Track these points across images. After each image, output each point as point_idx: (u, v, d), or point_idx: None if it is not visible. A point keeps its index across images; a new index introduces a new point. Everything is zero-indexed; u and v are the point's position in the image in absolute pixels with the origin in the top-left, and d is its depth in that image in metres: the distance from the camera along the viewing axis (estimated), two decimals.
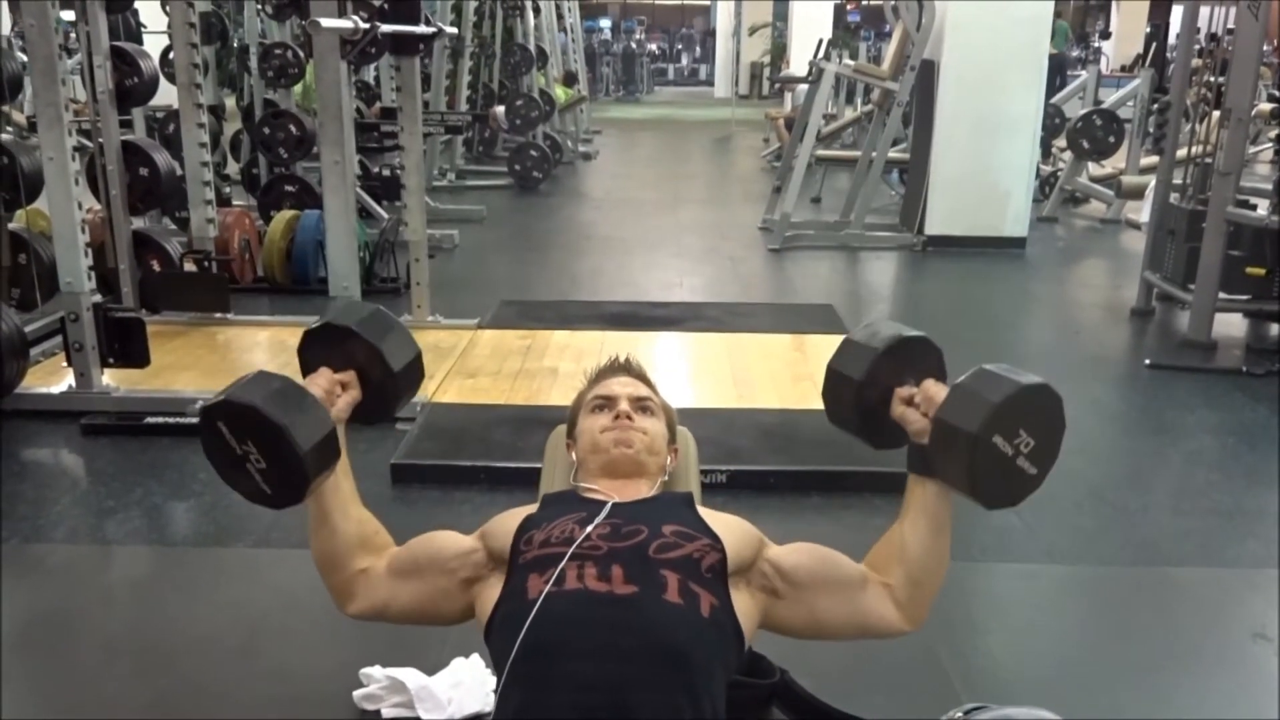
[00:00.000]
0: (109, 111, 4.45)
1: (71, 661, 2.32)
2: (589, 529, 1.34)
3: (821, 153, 8.87)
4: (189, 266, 4.59)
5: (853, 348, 1.51)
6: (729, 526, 1.44)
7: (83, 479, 3.33)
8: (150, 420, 3.56)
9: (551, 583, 1.28)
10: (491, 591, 1.38)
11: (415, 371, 1.57)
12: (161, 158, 4.65)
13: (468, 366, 4.20)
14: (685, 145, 14.03)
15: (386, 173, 7.56)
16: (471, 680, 2.08)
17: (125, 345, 3.75)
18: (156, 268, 4.69)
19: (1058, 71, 9.40)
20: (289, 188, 6.40)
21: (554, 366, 4.17)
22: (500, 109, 9.26)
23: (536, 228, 7.93)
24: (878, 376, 1.48)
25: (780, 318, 4.95)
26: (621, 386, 1.63)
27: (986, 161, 6.57)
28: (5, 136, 4.54)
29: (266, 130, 6.48)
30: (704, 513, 1.47)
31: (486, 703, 2.01)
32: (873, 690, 2.19)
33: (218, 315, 4.66)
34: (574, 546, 1.32)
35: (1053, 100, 8.51)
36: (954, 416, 1.32)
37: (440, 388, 3.92)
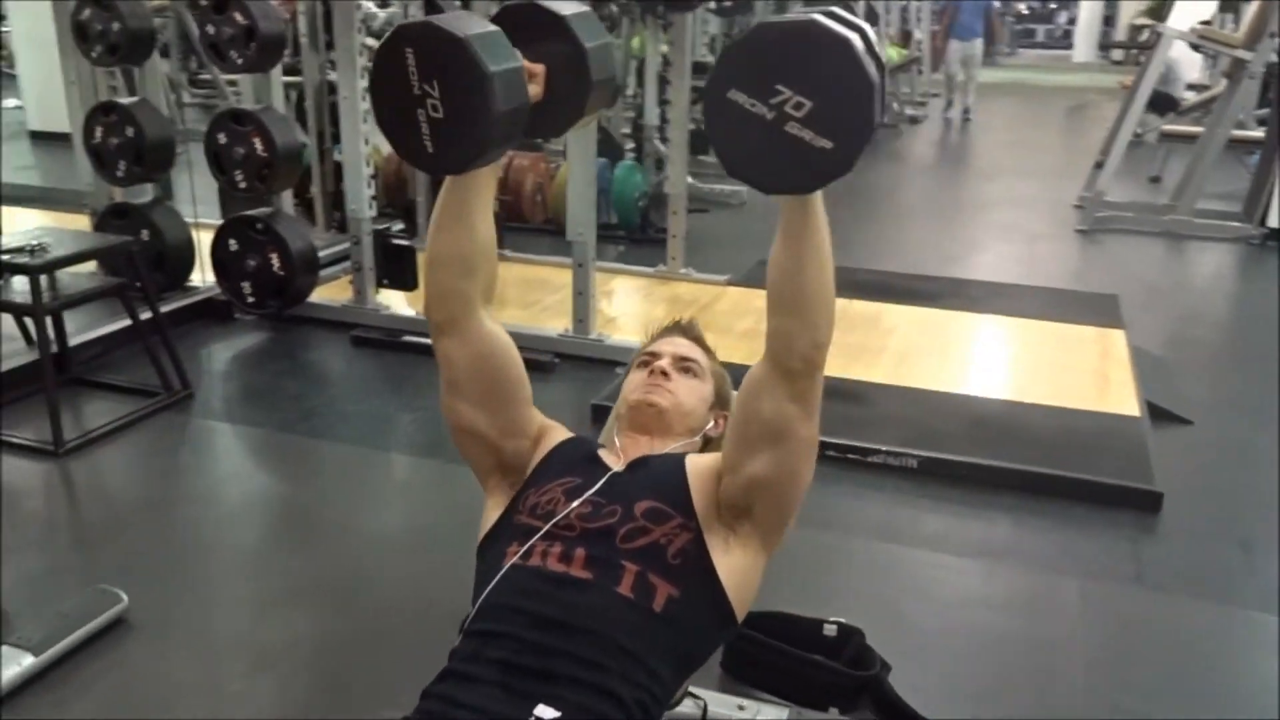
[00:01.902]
0: None
1: (266, 535, 2.72)
2: (573, 505, 1.37)
3: (1168, 127, 7.97)
4: None
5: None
6: (704, 480, 1.39)
7: (338, 383, 3.79)
8: (406, 338, 3.96)
9: (519, 556, 1.34)
10: (493, 512, 1.47)
11: (605, 91, 1.38)
12: None
13: (702, 320, 4.26)
14: (1029, 112, 13.08)
15: (691, 126, 7.75)
16: None
17: (398, 269, 4.18)
18: None
19: None
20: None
21: None
22: None
23: (833, 190, 7.65)
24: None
25: (1052, 304, 4.56)
26: (670, 346, 1.63)
27: None
28: (334, 76, 5.16)
29: None
30: (692, 469, 1.41)
31: None
32: (979, 701, 2.06)
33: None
34: (550, 524, 1.36)
35: None
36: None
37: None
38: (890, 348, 3.98)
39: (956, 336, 4.15)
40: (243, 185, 3.92)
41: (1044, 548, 2.69)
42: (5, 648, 2.03)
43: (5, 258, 2.92)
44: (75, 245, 3.13)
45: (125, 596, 2.23)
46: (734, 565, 1.36)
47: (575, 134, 3.73)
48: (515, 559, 1.33)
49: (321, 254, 4.34)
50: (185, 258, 4.27)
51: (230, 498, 2.93)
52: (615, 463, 1.47)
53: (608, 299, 4.54)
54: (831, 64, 1.02)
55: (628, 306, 4.48)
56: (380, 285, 4.18)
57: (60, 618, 2.14)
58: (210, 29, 3.79)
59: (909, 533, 2.76)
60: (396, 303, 4.23)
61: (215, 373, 3.79)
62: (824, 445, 3.01)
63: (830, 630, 2.17)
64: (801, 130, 1.03)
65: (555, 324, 4.09)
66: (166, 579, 2.46)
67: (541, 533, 1.35)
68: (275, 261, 4.00)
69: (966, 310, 4.43)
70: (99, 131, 4.02)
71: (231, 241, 4.05)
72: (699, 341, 1.67)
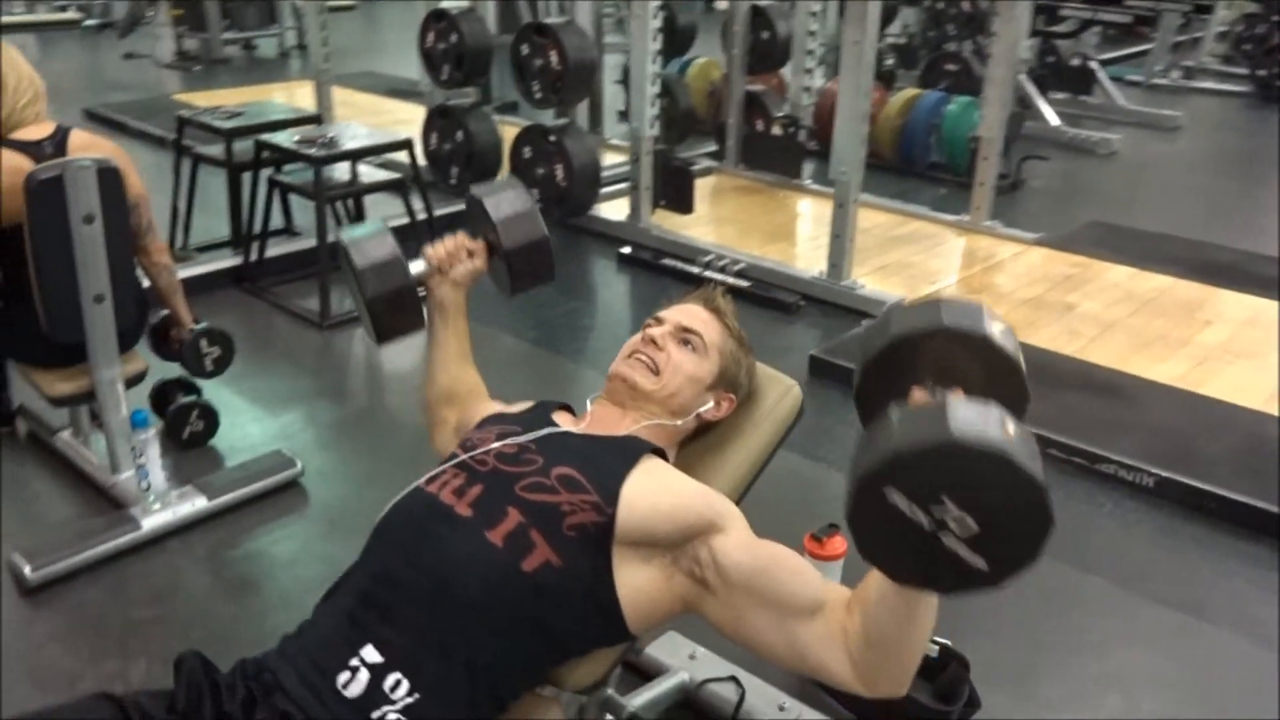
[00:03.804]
0: None
1: None
2: (496, 444, 1.30)
3: None
4: (775, 130, 4.86)
5: (874, 329, 1.17)
6: (655, 497, 1.23)
7: (588, 298, 3.90)
8: (666, 261, 3.98)
9: (424, 479, 1.30)
10: None
11: (532, 255, 1.49)
12: (784, 25, 4.92)
13: (982, 282, 3.88)
14: None
15: (1076, 62, 6.94)
16: None
17: (677, 190, 4.19)
18: (760, 127, 5.06)
19: None
20: (949, 66, 6.25)
21: (1072, 304, 3.64)
22: None
23: (1231, 146, 6.64)
24: (881, 370, 1.14)
25: None
26: (678, 314, 1.46)
27: None
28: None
29: (940, 5, 6.35)
30: (642, 472, 1.26)
31: None
32: None
33: (794, 180, 4.90)
34: (467, 455, 1.31)
35: None
36: (859, 453, 0.97)
37: (930, 294, 3.71)
38: (1196, 341, 3.37)
39: None
40: (538, 96, 4.10)
41: (1275, 619, 2.20)
42: (188, 487, 2.36)
43: (297, 148, 3.29)
44: (358, 142, 3.45)
45: (300, 464, 2.50)
46: (641, 585, 1.22)
47: (846, 57, 3.47)
48: (420, 481, 1.31)
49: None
50: (492, 160, 4.57)
51: None
52: (572, 426, 1.39)
53: (893, 244, 4.25)
54: (1016, 499, 0.93)
55: (906, 255, 4.16)
56: (657, 206, 4.22)
57: (240, 470, 2.45)
58: None
59: (1104, 558, 2.36)
60: (670, 224, 4.24)
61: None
62: (1047, 443, 2.67)
63: (931, 649, 1.94)
64: (957, 545, 0.95)
65: (820, 264, 3.90)
66: (356, 453, 2.73)
67: (455, 461, 1.31)
68: (560, 172, 4.17)
69: None
70: (430, 36, 4.38)
71: (526, 149, 4.27)
72: (719, 314, 1.49)
